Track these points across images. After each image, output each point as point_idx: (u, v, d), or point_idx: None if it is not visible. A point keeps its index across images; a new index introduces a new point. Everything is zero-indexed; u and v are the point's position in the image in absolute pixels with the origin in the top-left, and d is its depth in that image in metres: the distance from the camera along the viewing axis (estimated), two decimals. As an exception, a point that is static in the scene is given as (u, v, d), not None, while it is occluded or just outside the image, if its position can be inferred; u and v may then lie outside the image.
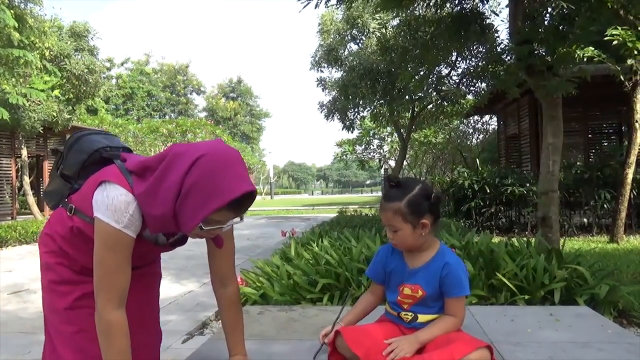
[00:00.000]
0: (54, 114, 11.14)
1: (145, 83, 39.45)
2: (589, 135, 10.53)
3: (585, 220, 7.91)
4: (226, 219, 1.30)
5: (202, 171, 1.25)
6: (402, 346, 1.47)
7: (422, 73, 7.81)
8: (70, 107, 12.94)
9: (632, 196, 6.97)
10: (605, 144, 10.62)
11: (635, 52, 5.79)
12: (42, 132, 12.29)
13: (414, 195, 1.56)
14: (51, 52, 11.20)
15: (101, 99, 29.30)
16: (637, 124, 6.40)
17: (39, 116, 10.87)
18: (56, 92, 12.06)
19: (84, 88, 12.15)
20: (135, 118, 34.28)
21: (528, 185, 7.50)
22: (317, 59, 11.70)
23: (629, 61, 5.99)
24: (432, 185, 1.59)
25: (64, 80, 11.99)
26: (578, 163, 8.12)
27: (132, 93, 37.89)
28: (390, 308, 1.68)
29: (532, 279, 3.19)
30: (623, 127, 10.08)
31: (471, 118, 17.97)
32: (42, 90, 11.08)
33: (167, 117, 39.08)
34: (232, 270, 1.57)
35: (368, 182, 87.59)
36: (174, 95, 42.53)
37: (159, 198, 1.27)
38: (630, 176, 6.50)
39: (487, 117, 18.50)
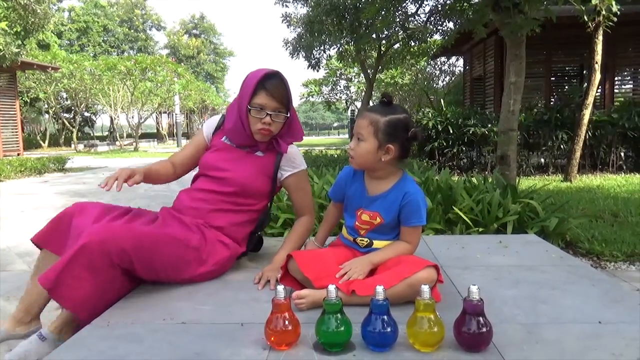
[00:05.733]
0: (0, 47, 10.39)
1: (100, 17, 37.09)
2: (552, 78, 10.67)
3: (542, 160, 8.17)
4: (266, 103, 1.74)
5: (249, 74, 1.80)
6: (355, 268, 1.50)
7: (389, 9, 7.61)
8: (19, 41, 12.07)
9: (587, 137, 7.20)
10: (567, 87, 10.82)
11: (600, -9, 5.80)
12: (-12, 67, 11.52)
13: (397, 118, 1.53)
14: (-9, -22, 10.29)
15: (53, 33, 27.56)
16: (596, 66, 6.49)
17: (-18, 49, 10.13)
18: (3, 24, 11.19)
19: (32, 19, 11.30)
20: (91, 54, 32.48)
21: (490, 125, 7.63)
22: (282, -7, 11.21)
23: (594, 1, 6.00)
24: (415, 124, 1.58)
25: (9, 11, 11.09)
26: (539, 105, 8.25)
27: (86, 27, 35.64)
28: (346, 233, 1.70)
29: (487, 212, 3.30)
30: (584, 71, 10.25)
31: (438, 60, 17.90)
32: (-15, 22, 10.25)
33: (125, 54, 37.18)
34: (306, 208, 1.96)
35: (335, 124, 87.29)
36: (132, 31, 40.31)
37: (236, 106, 1.83)
38: (586, 117, 6.68)
39: (453, 59, 18.47)
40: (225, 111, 1.92)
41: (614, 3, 5.91)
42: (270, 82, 1.73)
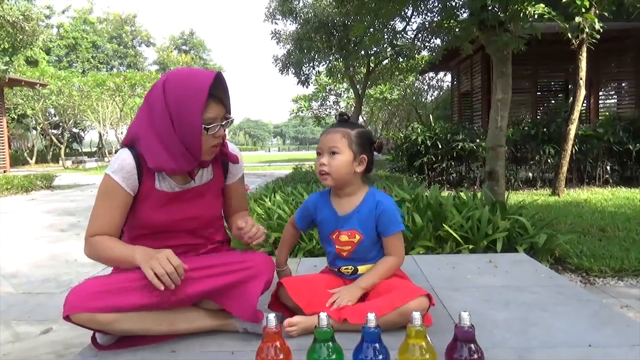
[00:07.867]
0: (-12, 64, 10.35)
1: (89, 33, 37.11)
2: (538, 93, 10.85)
3: (530, 174, 8.25)
4: (218, 113, 1.44)
5: (176, 84, 1.41)
6: (343, 296, 1.49)
7: (378, 26, 7.71)
8: (7, 58, 12.04)
9: (573, 151, 7.30)
10: (553, 101, 10.99)
11: (583, 10, 5.93)
12: (-24, 84, 11.44)
13: (363, 131, 1.62)
14: (-20, -4, 10.27)
15: (41, 49, 27.49)
16: (581, 82, 6.61)
17: (-30, 67, 10.08)
18: (-9, 41, 11.16)
19: (21, 36, 11.28)
20: (80, 71, 32.40)
21: (478, 140, 7.70)
22: (271, 10, 11.29)
23: (577, 19, 6.13)
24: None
25: (-3, 28, 11.07)
26: (526, 119, 8.36)
27: (75, 44, 35.61)
28: (330, 266, 1.69)
29: (476, 229, 3.31)
30: (570, 85, 10.43)
31: (426, 75, 18.10)
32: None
33: (115, 70, 37.14)
34: (245, 208, 1.75)
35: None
36: (121, 47, 40.36)
37: (161, 130, 1.41)
38: (572, 132, 6.77)
39: (441, 74, 18.69)
40: (126, 147, 1.47)
41: (596, 20, 6.04)
42: (214, 88, 1.41)
